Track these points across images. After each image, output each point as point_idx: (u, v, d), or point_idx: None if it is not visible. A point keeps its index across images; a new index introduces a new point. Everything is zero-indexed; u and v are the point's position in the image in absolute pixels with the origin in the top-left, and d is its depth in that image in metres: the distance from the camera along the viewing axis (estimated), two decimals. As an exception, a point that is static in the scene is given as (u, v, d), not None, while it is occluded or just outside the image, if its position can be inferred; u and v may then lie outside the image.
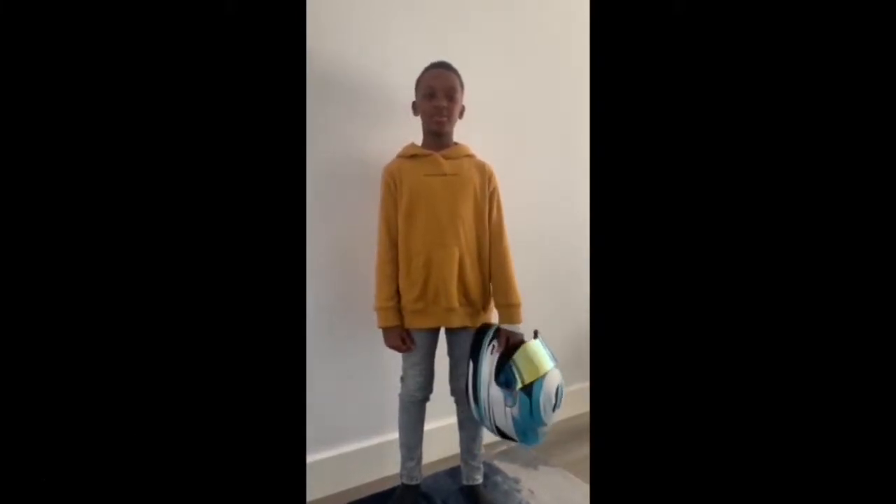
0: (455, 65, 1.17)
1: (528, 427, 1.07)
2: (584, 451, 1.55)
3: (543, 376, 1.08)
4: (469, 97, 1.21)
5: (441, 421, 1.38)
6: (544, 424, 1.08)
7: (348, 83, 1.25)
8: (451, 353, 1.21)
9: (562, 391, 1.10)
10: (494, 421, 1.10)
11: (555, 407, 1.09)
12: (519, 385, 1.06)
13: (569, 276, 1.75)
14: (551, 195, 1.68)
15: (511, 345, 1.12)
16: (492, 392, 1.09)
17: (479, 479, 1.26)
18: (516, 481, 1.36)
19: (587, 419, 1.77)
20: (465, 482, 1.26)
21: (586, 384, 1.84)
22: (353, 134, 1.27)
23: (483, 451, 1.27)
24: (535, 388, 1.06)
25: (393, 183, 1.14)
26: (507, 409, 1.07)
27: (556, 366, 1.12)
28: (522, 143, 1.60)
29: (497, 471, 1.41)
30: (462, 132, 1.22)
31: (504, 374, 1.08)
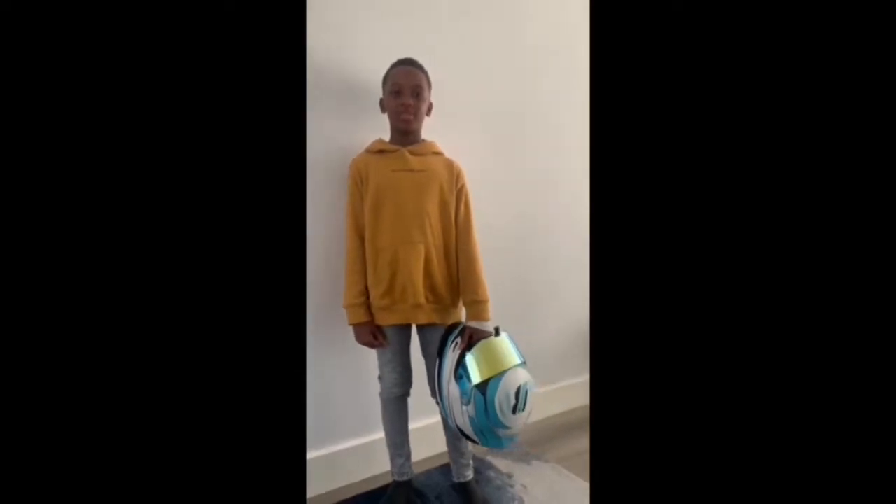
0: (442, 59, 1.16)
1: (484, 428, 1.02)
2: (576, 445, 1.54)
3: (501, 374, 1.02)
4: (448, 95, 1.20)
5: (431, 418, 1.38)
6: (504, 427, 1.01)
7: (329, 79, 1.24)
8: (424, 352, 1.21)
9: (525, 392, 1.03)
10: (455, 419, 1.09)
11: (515, 409, 1.01)
12: (473, 382, 1.02)
13: (558, 272, 1.74)
14: (545, 189, 1.68)
15: (473, 341, 1.09)
16: (451, 389, 1.07)
17: (470, 475, 1.26)
18: (509, 476, 1.36)
19: (579, 414, 1.77)
20: (455, 479, 1.26)
21: (578, 379, 1.84)
22: (340, 130, 1.26)
23: (473, 447, 1.26)
24: (490, 386, 1.01)
25: (359, 177, 1.14)
26: (464, 408, 1.04)
27: (523, 365, 1.08)
28: (510, 138, 1.59)
29: (490, 466, 1.41)
30: (451, 129, 1.22)
31: (460, 370, 1.06)
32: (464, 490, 1.24)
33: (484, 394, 1.01)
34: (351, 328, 1.16)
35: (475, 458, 1.28)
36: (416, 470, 1.28)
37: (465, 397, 1.03)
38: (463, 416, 1.04)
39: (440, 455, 1.42)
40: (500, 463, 1.43)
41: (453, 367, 1.07)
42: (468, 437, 1.09)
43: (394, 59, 1.16)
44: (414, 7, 1.34)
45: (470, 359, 1.05)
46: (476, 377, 1.02)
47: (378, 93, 1.21)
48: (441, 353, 1.13)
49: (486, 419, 1.01)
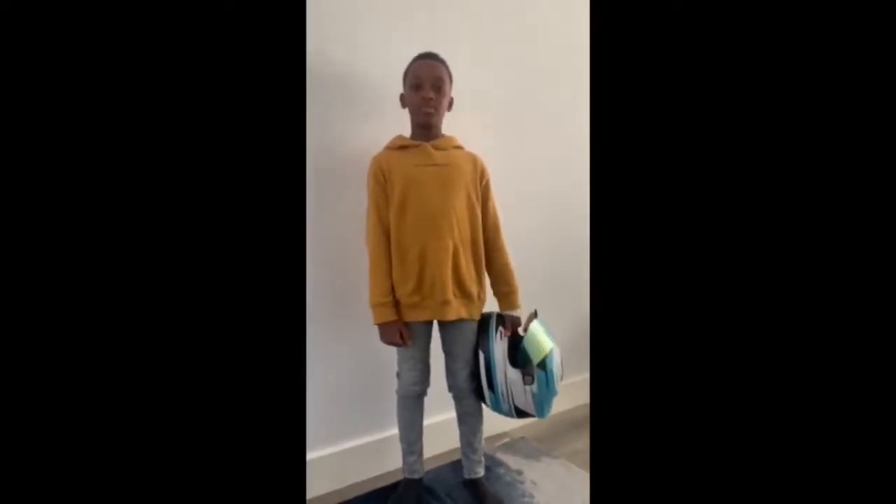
0: (446, 55, 1.15)
1: (544, 399, 1.15)
2: (584, 441, 1.55)
3: (552, 351, 1.15)
4: (462, 89, 1.19)
5: (442, 415, 1.38)
6: (557, 393, 1.17)
7: (335, 77, 1.23)
8: (446, 348, 1.20)
9: (562, 362, 1.19)
10: (513, 401, 1.15)
11: (561, 377, 1.19)
12: (536, 362, 1.12)
13: (567, 268, 1.74)
14: (549, 186, 1.67)
15: (517, 328, 1.19)
16: (509, 375, 1.13)
17: (481, 472, 1.26)
18: (519, 473, 1.36)
19: (587, 411, 1.77)
20: (466, 476, 1.26)
21: (585, 375, 1.83)
22: (344, 128, 1.25)
23: (484, 444, 1.27)
24: (548, 362, 1.13)
25: (382, 174, 1.13)
26: (527, 388, 1.13)
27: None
28: (520, 133, 1.58)
29: (500, 463, 1.41)
30: (462, 125, 1.21)
31: (520, 356, 1.13)
32: (474, 487, 1.24)
33: (545, 370, 1.13)
34: (361, 326, 1.16)
35: (484, 456, 1.28)
36: (427, 467, 1.28)
37: (528, 377, 1.13)
38: (525, 394, 1.14)
39: (450, 452, 1.42)
40: (509, 459, 1.43)
41: (506, 355, 1.14)
42: (524, 414, 1.17)
43: (405, 57, 1.15)
44: (419, 4, 1.33)
45: (527, 343, 1.15)
46: (537, 357, 1.13)
47: (386, 90, 1.20)
48: (485, 346, 1.15)
49: (548, 391, 1.14)
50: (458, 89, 1.20)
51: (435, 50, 1.16)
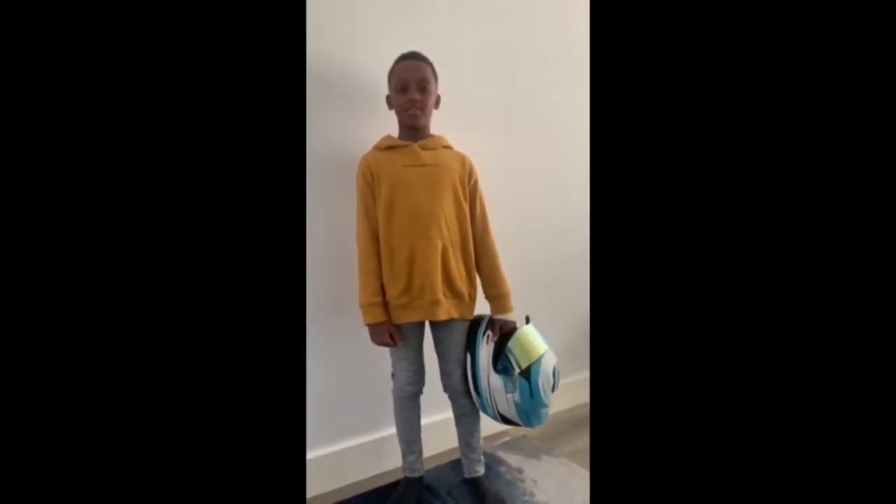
0: (446, 55, 1.15)
1: (530, 410, 1.11)
2: (585, 440, 1.55)
3: (539, 359, 1.11)
4: (462, 89, 1.19)
5: (442, 414, 1.37)
6: (545, 405, 1.12)
7: (335, 77, 1.23)
8: (438, 349, 1.20)
9: (558, 372, 1.15)
10: (497, 409, 1.13)
11: (553, 387, 1.13)
12: (517, 370, 1.10)
13: (566, 267, 1.74)
14: (545, 184, 1.67)
15: (505, 332, 1.16)
16: (492, 381, 1.12)
17: (481, 471, 1.26)
18: (519, 471, 1.36)
19: (587, 410, 1.77)
20: (466, 475, 1.26)
21: (586, 374, 1.83)
22: (344, 128, 1.25)
23: (483, 443, 1.27)
24: (532, 371, 1.10)
25: (370, 175, 1.12)
26: (509, 396, 1.10)
27: (549, 349, 1.17)
28: (519, 133, 1.58)
29: (500, 462, 1.41)
30: (461, 125, 1.21)
31: (501, 362, 1.12)
32: (474, 485, 1.24)
33: (528, 379, 1.09)
34: (360, 326, 1.16)
35: (485, 454, 1.29)
36: (426, 466, 1.28)
37: (510, 385, 1.10)
38: (508, 403, 1.11)
39: (450, 451, 1.43)
40: (510, 458, 1.43)
41: (491, 360, 1.12)
42: (510, 422, 1.16)
43: (396, 55, 1.14)
44: (418, 4, 1.33)
45: (510, 349, 1.13)
46: (518, 366, 1.10)
47: (386, 90, 1.20)
48: (472, 349, 1.14)
49: (531, 402, 1.10)
50: (458, 89, 1.20)
51: (435, 50, 1.15)
